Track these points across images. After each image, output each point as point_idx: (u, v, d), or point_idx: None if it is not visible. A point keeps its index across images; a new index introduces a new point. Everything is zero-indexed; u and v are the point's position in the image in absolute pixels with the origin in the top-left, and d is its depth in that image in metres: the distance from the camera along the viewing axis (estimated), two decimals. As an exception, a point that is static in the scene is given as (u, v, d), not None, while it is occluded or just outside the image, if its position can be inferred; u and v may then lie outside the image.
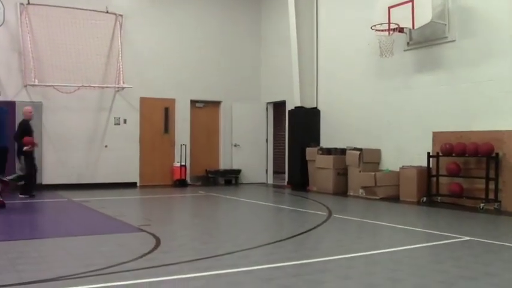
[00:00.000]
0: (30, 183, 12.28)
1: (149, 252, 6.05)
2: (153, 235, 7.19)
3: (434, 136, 11.77)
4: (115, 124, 15.52)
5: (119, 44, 15.36)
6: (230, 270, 5.22)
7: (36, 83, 14.10)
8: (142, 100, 15.99)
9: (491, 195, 10.38)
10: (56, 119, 14.63)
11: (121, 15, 15.48)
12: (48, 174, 14.49)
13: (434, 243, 6.86)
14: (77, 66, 14.66)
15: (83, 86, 14.53)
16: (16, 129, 12.37)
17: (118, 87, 15.33)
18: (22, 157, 12.05)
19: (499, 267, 5.45)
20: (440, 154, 11.30)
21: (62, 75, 14.41)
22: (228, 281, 4.83)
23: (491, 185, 10.39)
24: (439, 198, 11.46)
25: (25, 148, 11.88)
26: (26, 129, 12.23)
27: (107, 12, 15.25)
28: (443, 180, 11.45)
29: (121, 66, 15.27)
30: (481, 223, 8.75)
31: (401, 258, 5.95)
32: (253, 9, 17.97)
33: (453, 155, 11.04)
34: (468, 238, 7.13)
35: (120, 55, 15.32)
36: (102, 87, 15.15)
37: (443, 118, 11.73)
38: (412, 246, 6.65)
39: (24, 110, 12.62)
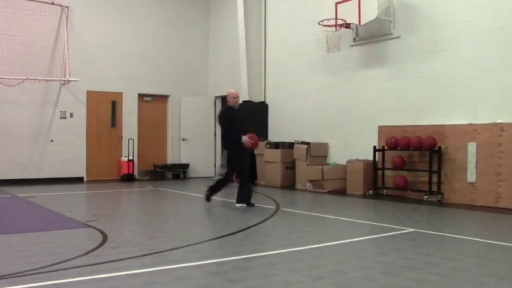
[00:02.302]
0: (241, 191, 9.71)
1: (96, 248, 5.97)
2: (100, 231, 7.11)
3: (380, 130, 12.00)
4: (61, 118, 15.22)
5: (65, 36, 15.04)
6: (178, 265, 5.21)
7: (-22, 74, 13.69)
8: (89, 93, 15.73)
9: (434, 188, 10.67)
10: (-1, 113, 14.27)
11: (67, 7, 15.15)
12: (-9, 170, 14.15)
13: (379, 235, 7.01)
14: (21, 59, 14.28)
15: (27, 79, 14.17)
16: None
17: (64, 81, 15.03)
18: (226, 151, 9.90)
19: (440, 257, 5.61)
20: (386, 148, 11.53)
21: (5, 67, 14.01)
22: (176, 275, 4.82)
23: (434, 178, 10.69)
24: (384, 191, 11.70)
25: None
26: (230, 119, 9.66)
27: (53, 3, 14.89)
28: (388, 173, 11.69)
29: (67, 59, 14.98)
30: (424, 215, 8.98)
31: (348, 250, 6.07)
32: (202, 2, 17.90)
33: (398, 148, 11.29)
34: (412, 230, 7.32)
35: (66, 48, 15.02)
36: (48, 80, 14.82)
37: (389, 113, 11.98)
38: (358, 239, 6.79)
39: (228, 94, 10.07)
